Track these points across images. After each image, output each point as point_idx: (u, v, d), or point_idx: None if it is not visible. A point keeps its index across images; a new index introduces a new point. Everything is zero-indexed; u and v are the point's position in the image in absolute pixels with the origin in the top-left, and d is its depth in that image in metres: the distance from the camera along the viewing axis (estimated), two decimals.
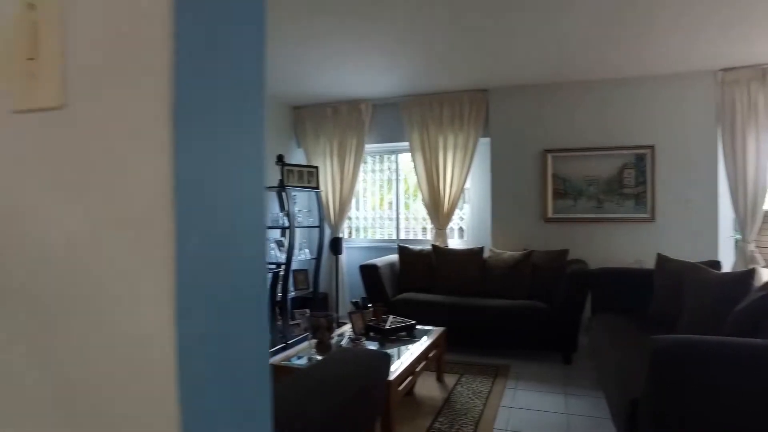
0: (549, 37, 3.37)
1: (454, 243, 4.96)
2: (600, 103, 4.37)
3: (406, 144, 4.95)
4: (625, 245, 4.26)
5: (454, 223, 5.00)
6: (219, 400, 0.44)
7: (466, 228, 5.03)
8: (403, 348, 2.89)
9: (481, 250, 4.31)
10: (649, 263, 3.57)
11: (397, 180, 5.25)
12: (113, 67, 0.42)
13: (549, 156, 4.50)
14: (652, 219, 4.22)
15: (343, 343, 2.83)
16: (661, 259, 3.27)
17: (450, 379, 3.36)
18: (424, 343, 2.97)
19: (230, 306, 0.45)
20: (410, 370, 2.63)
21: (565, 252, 4.05)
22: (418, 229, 5.22)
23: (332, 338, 2.81)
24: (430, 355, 3.03)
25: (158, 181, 0.40)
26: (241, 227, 0.47)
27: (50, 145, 0.45)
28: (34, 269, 0.46)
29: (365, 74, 4.25)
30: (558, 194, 4.50)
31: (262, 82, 0.50)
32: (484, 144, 4.74)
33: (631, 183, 4.30)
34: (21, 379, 0.46)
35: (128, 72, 0.41)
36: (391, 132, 5.04)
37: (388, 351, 2.83)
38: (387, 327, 3.05)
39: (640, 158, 4.27)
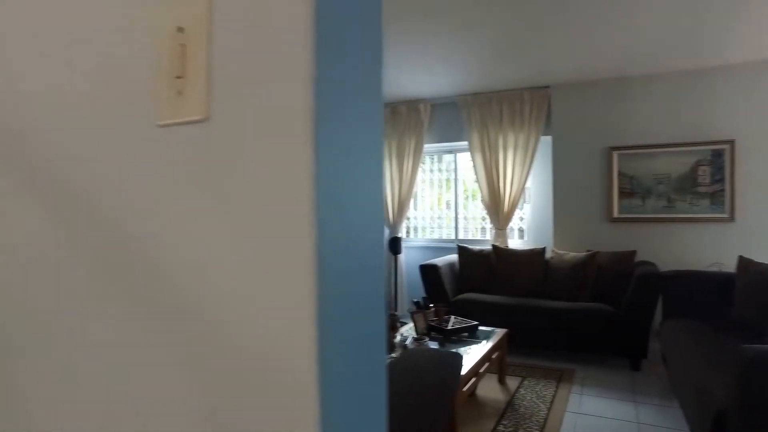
0: (619, 29, 3.24)
1: (514, 243, 4.87)
2: (672, 97, 4.14)
3: (464, 143, 4.91)
4: (700, 247, 4.02)
5: (514, 223, 4.91)
6: (352, 396, 0.47)
7: (527, 228, 4.92)
8: (465, 349, 2.88)
9: (542, 250, 4.21)
10: (729, 266, 3.35)
11: (456, 180, 5.22)
12: (255, 80, 0.45)
13: (615, 154, 4.32)
14: (731, 219, 3.95)
15: (407, 342, 2.86)
16: (744, 262, 3.06)
17: (512, 382, 3.31)
18: (487, 344, 2.95)
19: (359, 309, 0.48)
20: (474, 372, 2.62)
21: (632, 253, 3.88)
22: (475, 229, 5.16)
23: (395, 337, 2.84)
24: (493, 356, 3.00)
25: (299, 188, 0.43)
26: (366, 233, 0.49)
27: (194, 156, 0.50)
28: (177, 274, 0.51)
29: (424, 73, 4.26)
30: (624, 193, 4.31)
31: (381, 88, 0.53)
32: (545, 142, 4.62)
33: (706, 181, 4.05)
34: (168, 382, 0.51)
35: (270, 84, 0.45)
36: (450, 131, 5.02)
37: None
38: (449, 327, 3.04)
39: (718, 154, 4.01)
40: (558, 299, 3.90)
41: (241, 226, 0.46)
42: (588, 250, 4.11)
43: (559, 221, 4.53)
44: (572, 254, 4.08)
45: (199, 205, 0.49)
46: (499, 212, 4.70)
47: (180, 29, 0.50)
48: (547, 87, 4.53)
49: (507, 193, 4.65)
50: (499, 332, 3.22)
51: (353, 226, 0.47)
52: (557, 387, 3.23)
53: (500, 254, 4.29)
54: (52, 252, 0.62)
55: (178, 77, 0.50)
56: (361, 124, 0.49)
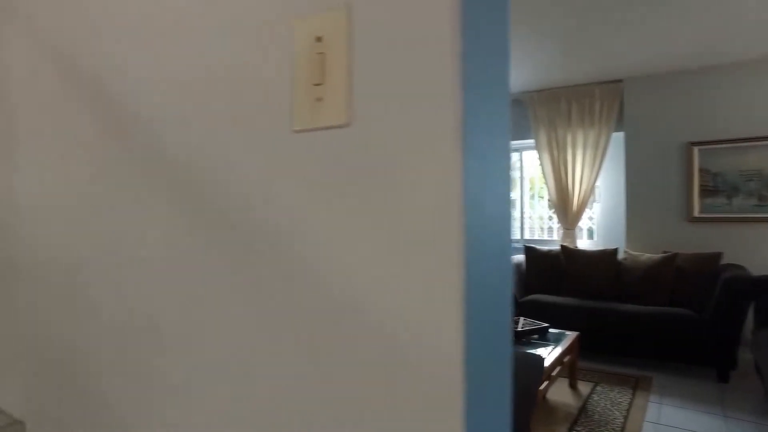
0: (704, 15, 3.03)
1: (583, 244, 4.69)
2: (762, 86, 3.82)
3: (530, 141, 4.79)
4: None
5: (583, 223, 4.73)
6: (489, 390, 0.47)
7: (597, 228, 4.72)
8: (535, 352, 2.81)
9: (615, 251, 4.02)
10: None
11: (522, 178, 5.10)
12: (399, 85, 0.47)
13: (695, 149, 4.06)
14: None
15: None
16: None
17: (584, 387, 3.20)
18: (558, 347, 2.86)
19: (495, 308, 0.48)
20: (546, 375, 2.55)
21: (717, 255, 3.62)
22: (540, 229, 5.02)
23: None
24: (564, 360, 2.90)
25: (446, 194, 0.43)
26: (500, 233, 0.49)
27: (334, 161, 0.52)
28: (318, 276, 0.53)
29: None
30: (706, 191, 4.04)
31: (509, 89, 0.52)
32: (617, 138, 4.41)
33: None
34: (304, 387, 0.54)
35: (415, 89, 0.46)
36: (516, 129, 4.91)
37: None
38: (519, 329, 2.98)
39: None
40: (632, 302, 3.72)
41: (387, 229, 0.48)
42: (665, 252, 3.88)
43: (632, 221, 4.31)
44: (647, 255, 3.88)
45: (341, 209, 0.51)
46: (567, 212, 4.54)
47: (318, 38, 0.52)
48: (619, 81, 4.33)
49: (576, 192, 4.49)
50: (571, 335, 3.11)
51: (491, 226, 0.48)
52: (633, 395, 3.08)
53: (569, 255, 4.14)
54: (190, 254, 0.67)
55: (317, 84, 0.52)
56: (496, 127, 0.49)
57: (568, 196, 4.53)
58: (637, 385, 3.23)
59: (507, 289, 0.51)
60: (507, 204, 0.51)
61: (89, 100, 0.84)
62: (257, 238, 0.58)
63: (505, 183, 0.51)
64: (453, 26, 0.43)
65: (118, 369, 0.79)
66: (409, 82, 0.46)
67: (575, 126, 4.49)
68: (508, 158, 0.52)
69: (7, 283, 1.08)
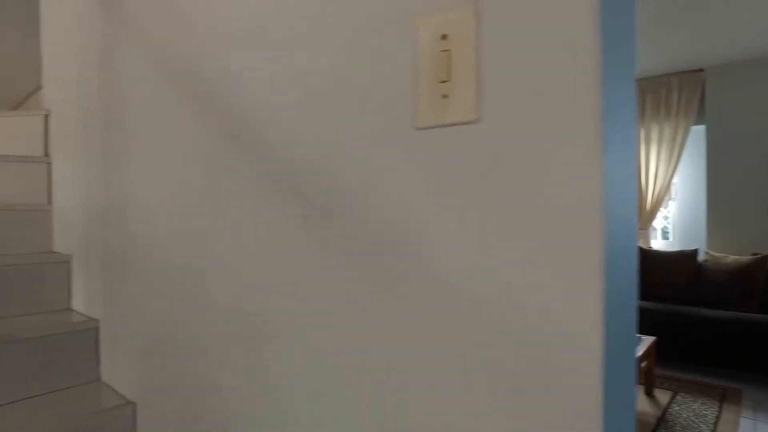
0: None
1: (657, 244, 4.44)
2: None
3: None
4: None
5: (657, 222, 4.47)
6: (622, 387, 0.46)
7: (672, 227, 4.45)
8: None
9: (694, 252, 3.77)
10: None
11: None
12: (532, 81, 0.46)
13: None
14: None
15: None
16: None
17: (661, 396, 3.02)
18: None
19: (626, 302, 0.47)
20: None
21: None
22: None
23: None
24: (641, 365, 2.76)
25: (587, 189, 0.43)
26: (629, 228, 0.48)
27: (461, 157, 0.52)
28: (446, 282, 0.54)
29: None
30: None
31: (634, 83, 0.51)
32: (696, 132, 4.13)
33: None
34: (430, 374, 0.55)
35: (551, 85, 0.45)
36: None
37: None
38: None
39: None
40: (714, 307, 3.48)
41: (524, 227, 0.47)
42: (755, 253, 3.59)
43: (714, 220, 4.03)
44: (733, 257, 3.60)
45: (472, 206, 0.51)
46: (640, 210, 4.31)
47: (444, 36, 0.53)
48: (700, 70, 4.05)
49: (650, 189, 4.26)
50: (647, 340, 2.95)
51: (624, 221, 0.47)
52: (720, 407, 2.87)
53: (644, 256, 3.93)
54: (302, 248, 0.69)
55: (443, 81, 0.53)
56: (627, 120, 0.48)
57: (641, 194, 4.30)
58: (724, 398, 3.01)
59: (634, 286, 0.50)
60: (635, 197, 0.50)
61: (204, 100, 0.89)
62: (381, 235, 0.59)
63: (633, 176, 0.49)
64: (593, 19, 0.43)
65: (225, 356, 0.84)
66: (544, 77, 0.45)
67: (649, 120, 4.25)
68: (634, 152, 0.50)
69: (123, 275, 1.17)
